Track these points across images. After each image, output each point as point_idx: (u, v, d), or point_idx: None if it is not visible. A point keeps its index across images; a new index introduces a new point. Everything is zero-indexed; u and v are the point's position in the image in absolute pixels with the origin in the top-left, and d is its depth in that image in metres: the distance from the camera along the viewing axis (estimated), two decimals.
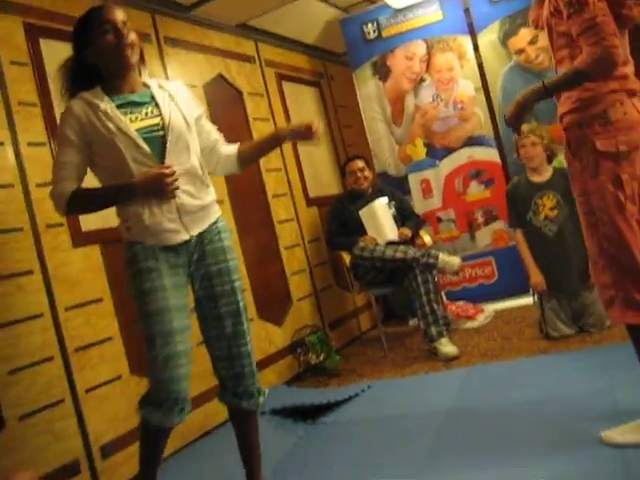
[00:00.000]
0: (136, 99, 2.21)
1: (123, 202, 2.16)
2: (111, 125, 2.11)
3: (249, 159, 2.52)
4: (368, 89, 5.42)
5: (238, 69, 4.52)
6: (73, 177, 2.14)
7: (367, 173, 4.78)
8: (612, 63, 2.01)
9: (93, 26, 2.18)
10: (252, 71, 4.70)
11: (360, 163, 4.78)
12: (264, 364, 4.03)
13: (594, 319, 3.67)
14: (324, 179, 5.38)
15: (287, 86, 5.14)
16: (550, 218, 3.77)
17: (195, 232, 2.22)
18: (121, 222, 2.22)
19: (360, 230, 4.53)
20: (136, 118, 2.16)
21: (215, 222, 2.30)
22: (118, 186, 2.14)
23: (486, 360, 3.71)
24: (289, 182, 4.81)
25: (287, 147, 4.87)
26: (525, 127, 3.87)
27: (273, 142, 2.54)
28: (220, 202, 3.95)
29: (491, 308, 4.83)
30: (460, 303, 4.86)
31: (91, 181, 2.25)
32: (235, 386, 2.32)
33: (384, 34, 5.32)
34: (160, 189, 2.09)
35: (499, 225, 5.06)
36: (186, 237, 2.20)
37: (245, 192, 4.28)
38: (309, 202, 5.01)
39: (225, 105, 4.35)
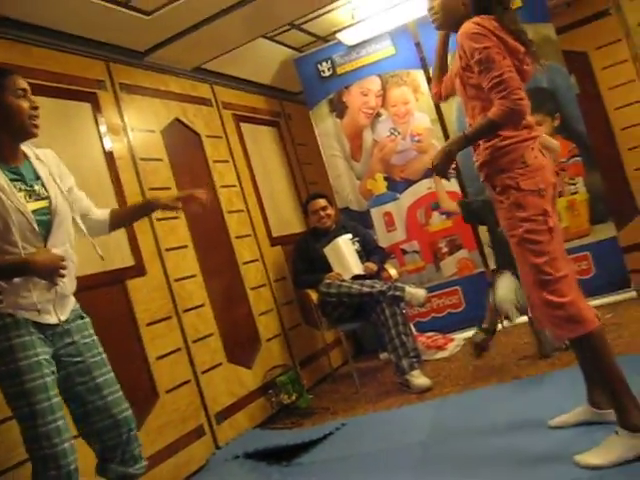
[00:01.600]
0: (24, 173, 2.21)
1: (11, 278, 2.12)
2: (8, 202, 2.08)
3: (120, 224, 2.69)
4: (326, 126, 5.47)
5: (195, 112, 4.53)
6: None
7: (330, 211, 4.80)
8: (521, 113, 2.27)
9: (5, 87, 2.16)
10: (209, 114, 4.72)
11: (322, 202, 4.80)
12: (235, 408, 3.97)
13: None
14: (286, 218, 5.39)
15: (245, 127, 5.16)
16: None
17: (63, 317, 2.25)
18: None
19: (325, 267, 4.52)
20: (30, 197, 2.17)
21: (75, 309, 2.36)
22: (14, 262, 2.10)
23: (459, 390, 3.70)
24: (252, 223, 4.80)
25: (248, 187, 4.88)
26: None
27: (144, 210, 2.76)
28: (184, 247, 3.96)
29: (461, 337, 4.85)
30: (430, 334, 4.87)
31: None
32: (122, 453, 2.33)
33: (339, 71, 5.40)
34: (54, 272, 2.10)
35: (463, 254, 5.11)
36: (56, 320, 2.22)
37: (208, 235, 4.26)
38: (273, 242, 5.00)
39: (184, 149, 4.34)
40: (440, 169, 2.43)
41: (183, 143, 4.36)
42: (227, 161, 4.74)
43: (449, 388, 3.80)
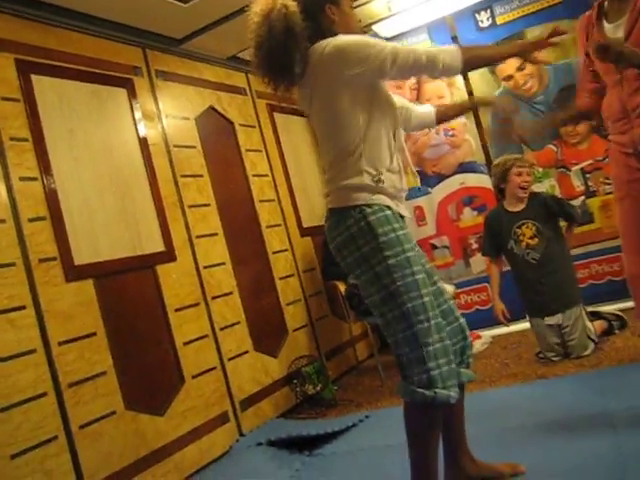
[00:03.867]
0: None
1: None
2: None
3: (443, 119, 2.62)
4: None
5: (229, 101, 4.55)
6: None
7: None
8: None
9: None
10: (243, 103, 4.74)
11: None
12: (260, 396, 4.00)
13: (575, 343, 3.70)
14: (317, 209, 5.39)
15: (278, 117, 5.17)
16: (531, 247, 3.81)
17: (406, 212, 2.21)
18: (363, 174, 2.05)
19: None
20: None
21: None
22: None
23: (484, 387, 3.67)
24: (282, 212, 4.81)
25: (279, 177, 4.89)
26: (511, 156, 3.94)
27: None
28: (214, 235, 3.99)
29: (488, 334, 4.81)
30: None
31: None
32: (467, 357, 2.26)
33: None
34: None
35: None
36: (407, 213, 2.19)
37: (239, 224, 4.28)
38: (303, 232, 5.01)
39: (217, 137, 4.37)
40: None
41: (216, 131, 4.38)
42: (260, 150, 4.76)
43: (474, 385, 3.75)
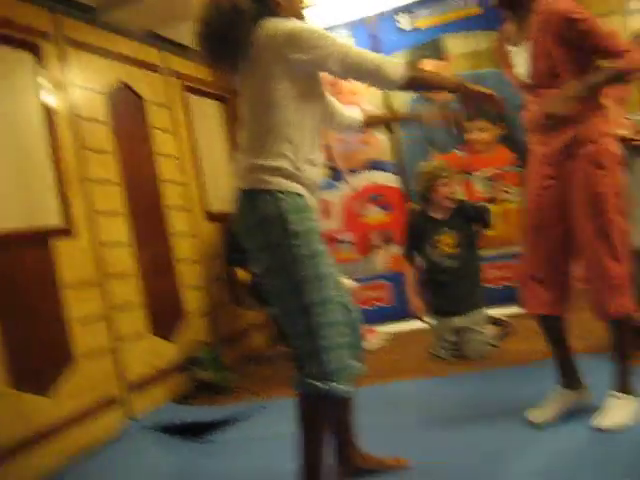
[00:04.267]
0: None
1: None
2: None
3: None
4: None
5: (142, 77, 4.43)
6: None
7: None
8: None
9: None
10: (157, 80, 4.62)
11: None
12: (154, 380, 3.94)
13: (474, 345, 3.84)
14: (226, 195, 5.32)
15: (193, 99, 5.08)
16: (449, 255, 3.93)
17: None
18: (282, 157, 2.05)
19: None
20: None
21: None
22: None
23: (376, 381, 3.74)
24: (189, 195, 4.74)
25: (188, 159, 4.81)
26: (432, 163, 4.04)
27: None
28: (116, 213, 3.87)
29: (385, 330, 4.90)
30: None
31: None
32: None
33: None
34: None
35: (396, 249, 5.17)
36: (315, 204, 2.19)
37: (143, 204, 4.18)
38: (209, 217, 4.95)
39: (127, 112, 4.24)
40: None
41: (126, 107, 4.25)
42: (169, 130, 4.66)
43: (365, 380, 3.81)
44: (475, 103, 2.18)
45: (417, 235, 4.03)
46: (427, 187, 3.97)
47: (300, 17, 2.18)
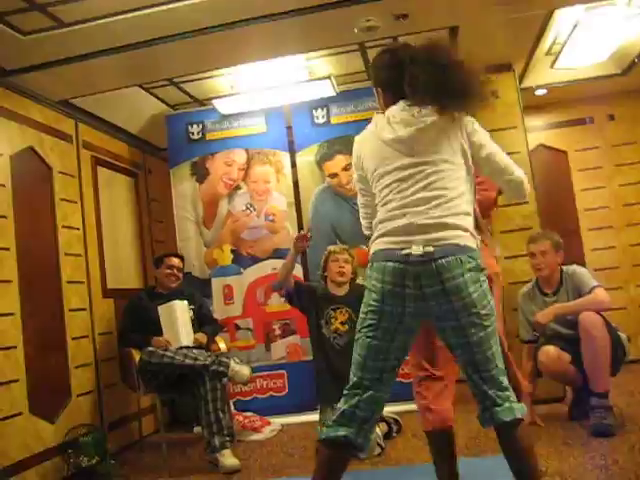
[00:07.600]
0: None
1: None
2: None
3: None
4: (184, 188, 5.41)
5: (52, 145, 4.34)
6: None
7: (180, 274, 4.72)
8: None
9: None
10: (67, 150, 4.53)
11: (178, 261, 4.74)
12: (27, 464, 3.65)
13: None
14: (126, 271, 5.20)
15: (102, 171, 5.01)
16: (340, 332, 3.95)
17: None
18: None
19: (156, 330, 4.34)
20: None
21: None
22: None
23: (267, 476, 3.64)
24: (88, 269, 4.58)
25: (91, 233, 4.69)
26: (335, 247, 4.13)
27: None
28: (7, 282, 3.69)
29: (278, 422, 4.81)
30: (248, 414, 4.80)
31: None
32: None
33: (208, 137, 5.42)
34: None
35: (295, 339, 5.15)
36: None
37: (38, 275, 4.01)
38: (106, 293, 4.79)
39: (32, 180, 4.11)
40: None
41: (32, 174, 4.13)
42: (75, 202, 4.54)
43: (257, 473, 3.72)
44: None
45: (312, 303, 4.02)
46: (323, 266, 4.12)
47: None
